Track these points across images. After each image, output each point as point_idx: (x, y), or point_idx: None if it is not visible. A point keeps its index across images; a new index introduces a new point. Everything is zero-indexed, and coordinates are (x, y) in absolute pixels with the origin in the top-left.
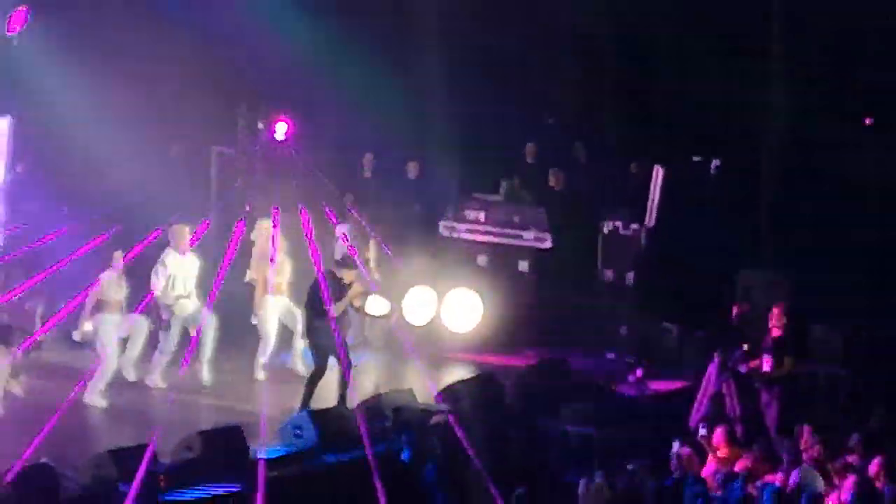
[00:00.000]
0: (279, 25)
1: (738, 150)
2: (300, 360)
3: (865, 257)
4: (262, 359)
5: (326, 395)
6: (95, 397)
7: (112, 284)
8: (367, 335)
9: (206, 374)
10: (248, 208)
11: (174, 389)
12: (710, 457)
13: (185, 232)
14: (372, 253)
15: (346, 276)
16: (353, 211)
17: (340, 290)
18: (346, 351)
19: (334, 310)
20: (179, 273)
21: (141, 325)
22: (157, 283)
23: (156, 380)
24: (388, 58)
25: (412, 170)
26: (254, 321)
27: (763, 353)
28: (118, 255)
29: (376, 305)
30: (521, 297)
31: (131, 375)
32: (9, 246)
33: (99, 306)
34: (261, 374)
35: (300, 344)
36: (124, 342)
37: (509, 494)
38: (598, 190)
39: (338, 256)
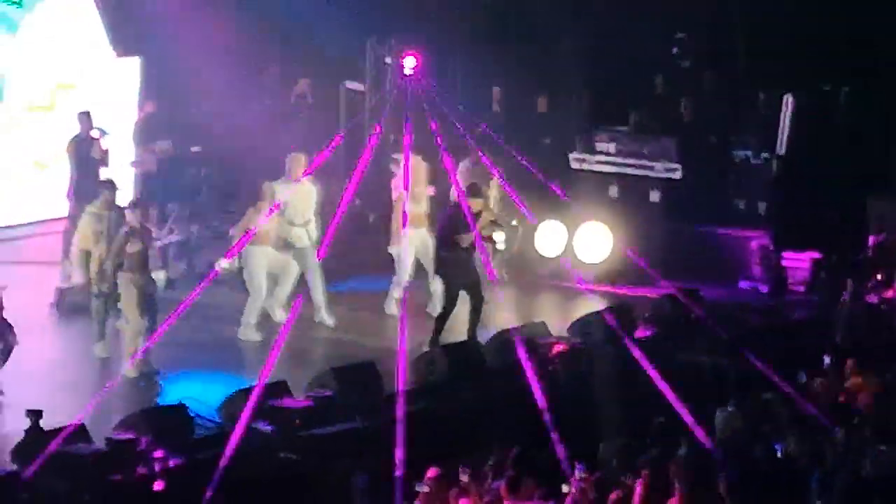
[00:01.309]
0: None
1: (867, 78)
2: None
3: None
4: (396, 292)
5: (459, 329)
6: (249, 332)
7: (263, 217)
8: (496, 268)
9: (325, 316)
10: (377, 132)
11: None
12: (841, 386)
13: (300, 160)
14: (493, 191)
15: (474, 204)
16: (477, 149)
17: (468, 220)
18: (478, 284)
19: (463, 240)
20: (293, 201)
21: (292, 265)
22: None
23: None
24: None
25: (541, 103)
26: (391, 251)
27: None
28: (268, 187)
29: (500, 237)
30: (653, 228)
31: (278, 315)
32: (140, 184)
33: (251, 238)
34: (393, 309)
35: (436, 287)
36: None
37: (645, 424)
38: (728, 119)
39: (463, 186)
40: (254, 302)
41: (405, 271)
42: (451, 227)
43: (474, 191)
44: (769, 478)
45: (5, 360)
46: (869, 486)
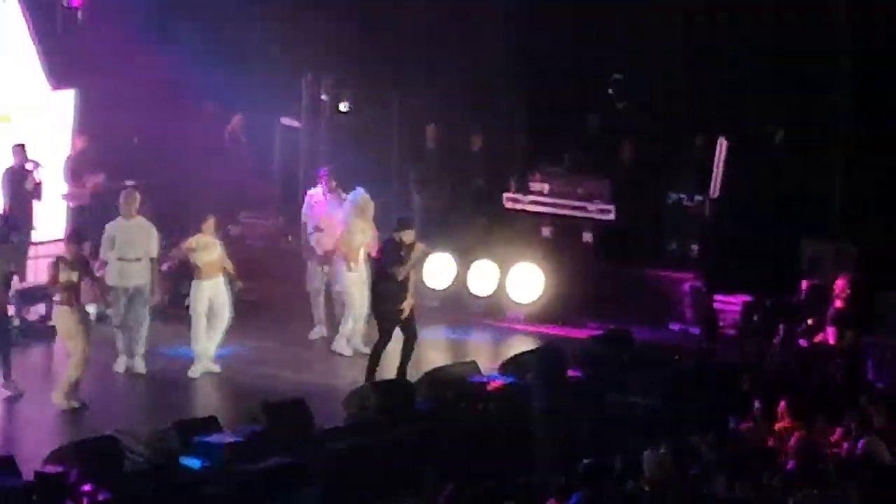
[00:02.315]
0: None
1: (802, 120)
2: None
3: None
4: (348, 330)
5: (390, 367)
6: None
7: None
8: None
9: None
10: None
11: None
12: (769, 430)
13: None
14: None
15: (406, 236)
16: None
17: (403, 252)
18: (411, 319)
19: (399, 272)
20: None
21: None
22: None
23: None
24: (452, 30)
25: (476, 142)
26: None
27: (827, 325)
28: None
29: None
30: (586, 269)
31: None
32: (72, 217)
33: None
34: (344, 348)
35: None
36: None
37: (574, 465)
38: (662, 161)
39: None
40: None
41: (359, 306)
42: (386, 259)
43: (406, 223)
44: None
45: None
46: None
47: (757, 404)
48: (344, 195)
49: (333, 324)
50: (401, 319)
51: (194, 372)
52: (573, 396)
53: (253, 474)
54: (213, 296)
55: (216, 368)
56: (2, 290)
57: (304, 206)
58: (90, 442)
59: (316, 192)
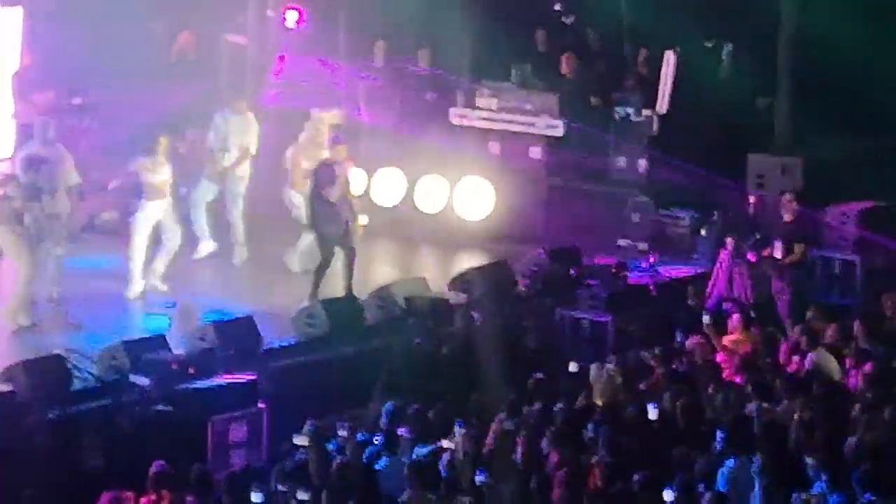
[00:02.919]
0: None
1: (749, 34)
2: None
3: (879, 136)
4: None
5: (334, 283)
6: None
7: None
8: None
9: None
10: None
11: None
12: (718, 344)
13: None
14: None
15: (339, 152)
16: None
17: (336, 171)
18: (348, 236)
19: (332, 193)
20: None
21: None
22: None
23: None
24: None
25: (423, 57)
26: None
27: (774, 240)
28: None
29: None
30: (534, 185)
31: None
32: (20, 135)
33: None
34: (295, 264)
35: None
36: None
37: (524, 380)
38: (609, 76)
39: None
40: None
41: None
42: (320, 180)
43: (338, 139)
44: (641, 436)
45: None
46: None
47: (707, 318)
48: None
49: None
50: (339, 237)
51: (132, 292)
52: (521, 312)
53: (202, 391)
54: (161, 217)
55: (163, 287)
56: None
57: None
58: (38, 361)
59: None
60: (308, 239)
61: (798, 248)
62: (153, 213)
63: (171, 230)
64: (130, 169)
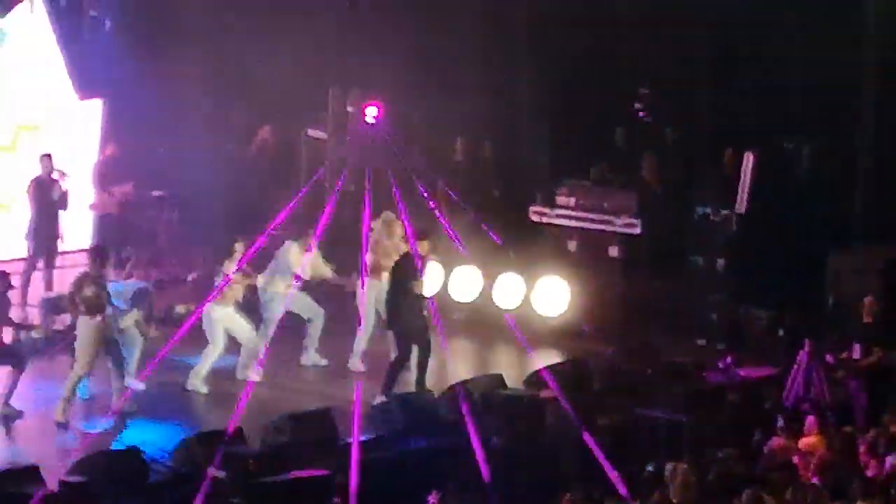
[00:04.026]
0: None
1: (829, 135)
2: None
3: None
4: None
5: (408, 379)
6: (198, 383)
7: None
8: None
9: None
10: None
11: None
12: (795, 445)
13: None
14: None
15: (422, 247)
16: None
17: (420, 265)
18: (426, 332)
19: (415, 287)
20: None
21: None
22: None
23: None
24: (478, 44)
25: (502, 155)
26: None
27: (853, 342)
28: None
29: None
30: (611, 283)
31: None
32: (99, 226)
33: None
34: (358, 365)
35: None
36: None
37: (599, 479)
38: (688, 175)
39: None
40: (209, 355)
41: (369, 324)
42: (402, 273)
43: (422, 234)
44: None
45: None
46: None
47: (780, 421)
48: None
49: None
50: (418, 333)
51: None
52: (598, 411)
53: (278, 485)
54: (227, 324)
55: (203, 389)
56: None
57: None
58: (115, 453)
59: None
60: (364, 339)
61: (877, 351)
62: (219, 316)
63: (240, 332)
64: (224, 272)
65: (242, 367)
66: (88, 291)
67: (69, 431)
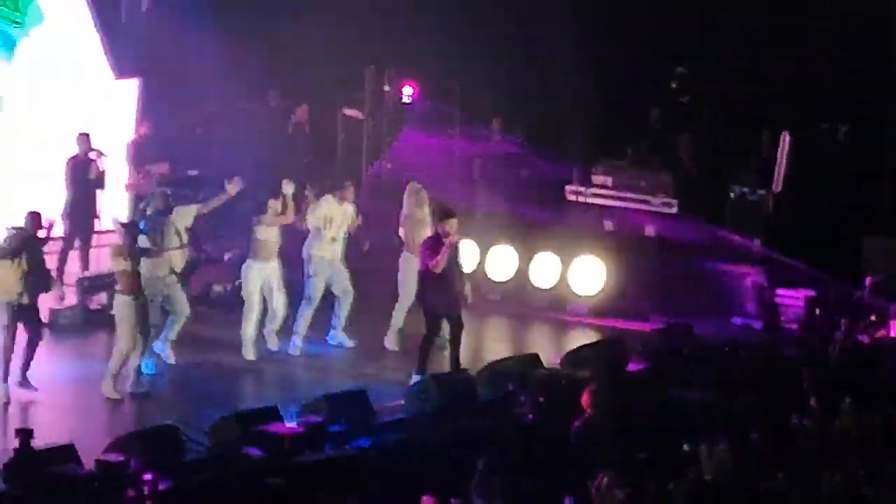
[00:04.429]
0: None
1: (865, 116)
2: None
3: None
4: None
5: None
6: (248, 347)
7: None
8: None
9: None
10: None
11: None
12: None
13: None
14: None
15: (449, 226)
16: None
17: (443, 244)
18: (458, 309)
19: (436, 266)
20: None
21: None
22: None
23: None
24: (514, 24)
25: (539, 135)
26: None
27: (891, 320)
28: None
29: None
30: (648, 262)
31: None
32: (135, 206)
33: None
34: (393, 343)
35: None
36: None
37: (634, 459)
38: (725, 155)
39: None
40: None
41: (406, 299)
42: (430, 250)
43: (448, 211)
44: None
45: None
46: None
47: (813, 402)
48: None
49: None
50: (446, 310)
51: (246, 353)
52: (634, 391)
53: (314, 464)
54: (265, 278)
55: (294, 352)
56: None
57: None
58: (151, 431)
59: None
60: (401, 314)
61: None
62: (261, 273)
63: (277, 295)
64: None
65: (270, 333)
66: (122, 265)
67: (109, 410)
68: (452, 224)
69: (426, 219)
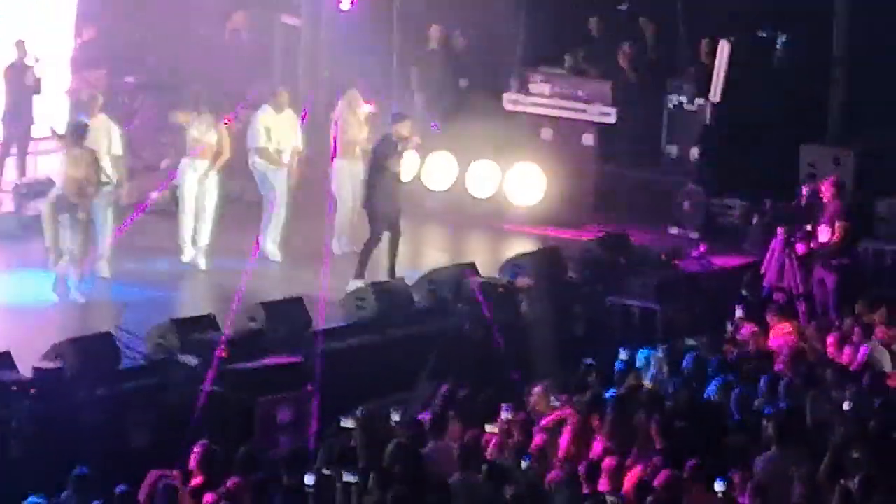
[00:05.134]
0: None
1: (804, 25)
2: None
3: None
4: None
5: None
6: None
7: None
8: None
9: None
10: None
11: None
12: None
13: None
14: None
15: (403, 128)
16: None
17: (399, 146)
18: (398, 217)
19: (392, 164)
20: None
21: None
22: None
23: None
24: None
25: (476, 42)
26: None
27: (819, 226)
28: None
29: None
30: (585, 172)
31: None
32: (74, 112)
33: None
34: (336, 247)
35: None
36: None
37: (573, 367)
38: (663, 64)
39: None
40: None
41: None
42: (381, 153)
43: (402, 116)
44: (693, 421)
45: None
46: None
47: (739, 311)
48: None
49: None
50: (391, 217)
51: (185, 257)
52: (571, 299)
53: (249, 372)
54: (199, 180)
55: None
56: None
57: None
58: (87, 338)
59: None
60: (344, 222)
61: (839, 226)
62: (191, 175)
63: (211, 197)
64: (172, 121)
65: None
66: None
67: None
68: (407, 126)
69: (359, 123)
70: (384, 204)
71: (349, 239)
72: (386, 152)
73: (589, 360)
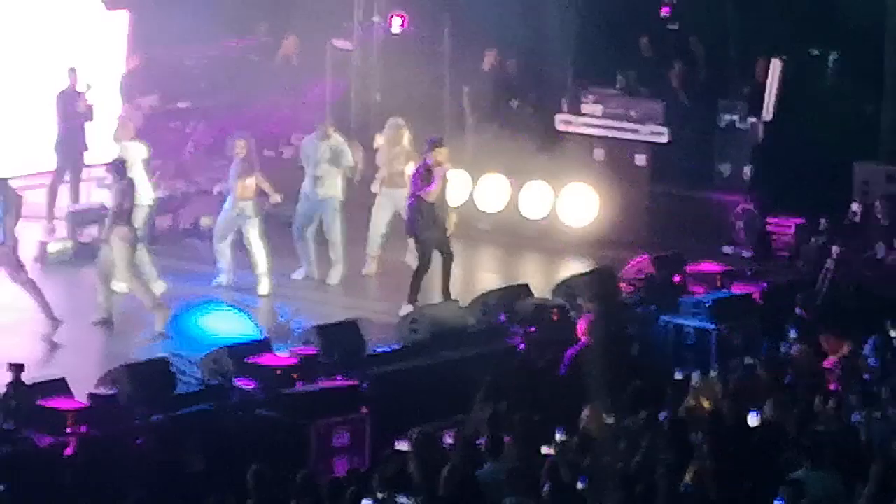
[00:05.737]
0: None
1: (856, 43)
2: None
3: None
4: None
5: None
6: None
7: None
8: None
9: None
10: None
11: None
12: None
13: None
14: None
15: (438, 156)
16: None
17: (433, 174)
18: (447, 239)
19: (429, 195)
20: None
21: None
22: None
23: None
24: None
25: (529, 64)
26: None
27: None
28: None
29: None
30: (638, 192)
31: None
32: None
33: None
34: (370, 269)
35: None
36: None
37: (625, 388)
38: (715, 83)
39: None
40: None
41: (377, 232)
42: (422, 179)
43: (436, 143)
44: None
45: None
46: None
47: (793, 332)
48: None
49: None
50: (437, 241)
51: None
52: (625, 319)
53: (305, 396)
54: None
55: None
56: None
57: None
58: (142, 364)
59: None
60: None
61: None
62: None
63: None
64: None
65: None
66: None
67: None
68: (443, 153)
69: (401, 154)
70: (427, 230)
71: (374, 263)
72: (420, 180)
73: (639, 383)
